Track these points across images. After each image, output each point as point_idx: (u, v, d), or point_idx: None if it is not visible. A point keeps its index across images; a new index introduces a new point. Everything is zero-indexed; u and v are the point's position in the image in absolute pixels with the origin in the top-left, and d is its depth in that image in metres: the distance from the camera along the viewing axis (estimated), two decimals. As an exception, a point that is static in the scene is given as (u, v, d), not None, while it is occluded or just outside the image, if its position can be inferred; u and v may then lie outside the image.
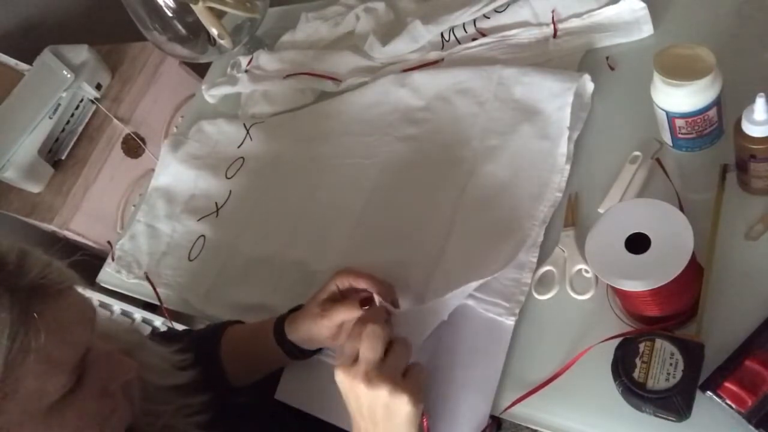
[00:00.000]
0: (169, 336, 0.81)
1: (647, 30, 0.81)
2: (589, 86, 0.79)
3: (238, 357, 0.76)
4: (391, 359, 0.59)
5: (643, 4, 0.78)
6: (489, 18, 0.93)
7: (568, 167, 0.76)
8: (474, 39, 0.93)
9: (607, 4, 0.82)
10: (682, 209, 0.65)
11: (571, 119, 0.77)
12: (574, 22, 0.85)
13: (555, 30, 0.86)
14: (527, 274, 0.71)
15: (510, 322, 0.69)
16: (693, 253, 0.55)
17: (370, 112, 0.97)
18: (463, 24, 0.95)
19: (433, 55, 0.96)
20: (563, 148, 0.76)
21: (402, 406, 0.57)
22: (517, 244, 0.72)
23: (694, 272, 0.60)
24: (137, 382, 0.59)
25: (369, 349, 0.58)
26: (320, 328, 0.69)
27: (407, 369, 0.59)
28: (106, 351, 0.55)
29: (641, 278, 0.55)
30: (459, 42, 0.95)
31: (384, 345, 0.59)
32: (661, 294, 0.56)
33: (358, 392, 0.58)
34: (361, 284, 0.68)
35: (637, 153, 0.73)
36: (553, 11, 0.86)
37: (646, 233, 0.57)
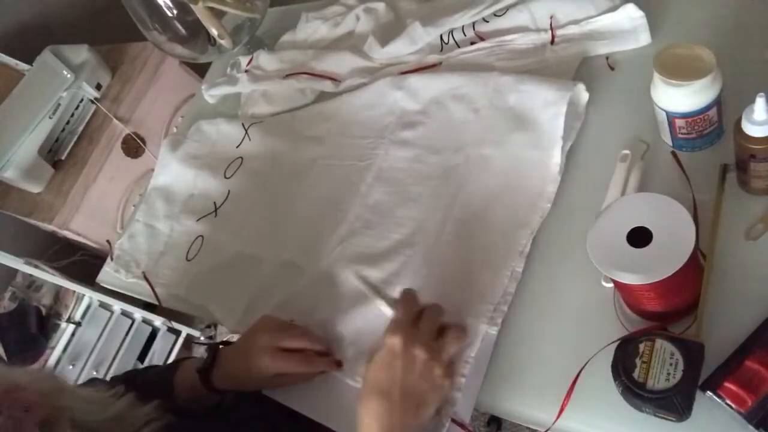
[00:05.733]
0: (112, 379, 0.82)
1: (645, 39, 0.80)
2: (584, 96, 0.79)
3: (190, 399, 0.77)
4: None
5: (642, 13, 0.78)
6: (488, 22, 0.92)
7: (559, 177, 0.76)
8: (473, 43, 0.93)
9: (605, 12, 0.81)
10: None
11: (564, 129, 0.76)
12: (572, 29, 0.84)
13: (553, 36, 0.86)
14: (513, 284, 0.71)
15: (492, 331, 0.70)
16: (695, 248, 0.55)
17: (366, 114, 0.97)
18: (462, 27, 0.94)
19: (432, 58, 0.96)
20: (557, 158, 0.76)
21: (439, 380, 0.63)
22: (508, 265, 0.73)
23: (695, 267, 0.60)
24: (67, 423, 0.56)
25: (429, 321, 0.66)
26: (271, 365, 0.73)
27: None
28: (11, 390, 0.54)
29: (642, 272, 0.55)
30: (458, 45, 0.95)
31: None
32: (662, 288, 0.56)
33: (417, 353, 0.63)
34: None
35: (625, 151, 0.73)
36: (551, 17, 0.86)
37: (647, 227, 0.57)
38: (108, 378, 0.85)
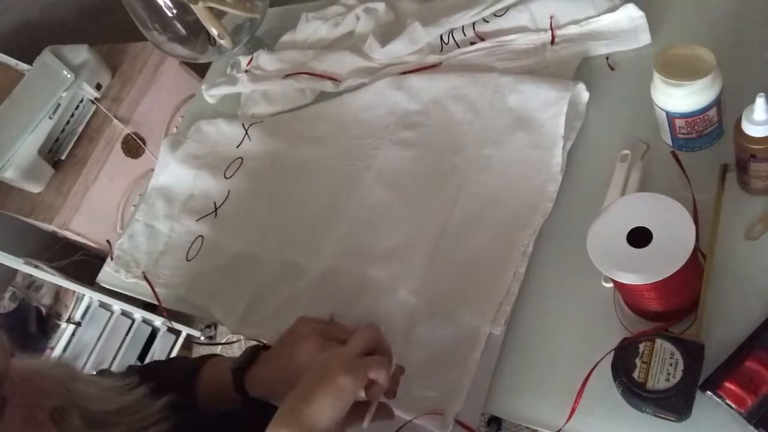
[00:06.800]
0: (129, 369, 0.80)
1: (645, 39, 0.80)
2: (584, 95, 0.79)
3: (212, 399, 0.74)
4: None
5: (642, 13, 0.78)
6: (488, 22, 0.92)
7: (560, 177, 0.76)
8: (473, 43, 0.93)
9: (605, 12, 0.81)
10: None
11: (565, 129, 0.76)
12: (572, 29, 0.84)
13: (553, 36, 0.86)
14: (516, 285, 0.71)
15: (496, 332, 0.70)
16: (695, 248, 0.55)
17: (366, 115, 0.96)
18: (462, 27, 0.94)
19: (432, 58, 0.96)
20: (558, 157, 0.76)
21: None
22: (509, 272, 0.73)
23: (695, 267, 0.60)
24: (76, 411, 0.57)
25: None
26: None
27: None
28: (27, 378, 0.54)
29: (642, 272, 0.55)
30: (458, 45, 0.95)
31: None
32: (662, 288, 0.57)
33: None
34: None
35: (625, 151, 0.73)
36: (551, 17, 0.86)
37: (647, 227, 0.57)
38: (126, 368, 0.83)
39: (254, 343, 0.77)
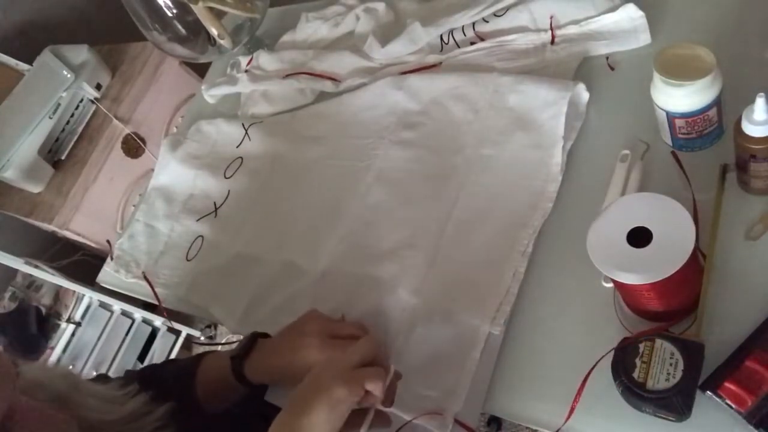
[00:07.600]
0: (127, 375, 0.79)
1: (644, 39, 0.80)
2: (584, 95, 0.79)
3: (213, 393, 0.75)
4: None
5: (642, 13, 0.78)
6: (488, 22, 0.92)
7: (560, 177, 0.76)
8: (472, 43, 0.93)
9: (605, 12, 0.81)
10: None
11: (565, 129, 0.76)
12: (572, 29, 0.84)
13: (553, 36, 0.86)
14: (515, 285, 0.71)
15: (496, 332, 0.70)
16: (695, 248, 0.55)
17: (366, 115, 0.96)
18: (462, 27, 0.94)
19: (432, 58, 0.96)
20: (557, 157, 0.76)
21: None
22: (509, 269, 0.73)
23: (695, 267, 0.60)
24: (76, 423, 0.57)
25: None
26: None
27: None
28: (33, 407, 0.54)
29: (642, 272, 0.55)
30: (458, 45, 0.95)
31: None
32: (662, 288, 0.57)
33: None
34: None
35: (625, 152, 0.73)
36: (551, 17, 0.86)
37: (647, 227, 0.57)
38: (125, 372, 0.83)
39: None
